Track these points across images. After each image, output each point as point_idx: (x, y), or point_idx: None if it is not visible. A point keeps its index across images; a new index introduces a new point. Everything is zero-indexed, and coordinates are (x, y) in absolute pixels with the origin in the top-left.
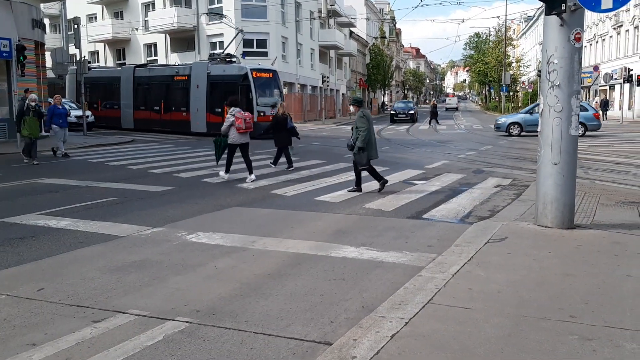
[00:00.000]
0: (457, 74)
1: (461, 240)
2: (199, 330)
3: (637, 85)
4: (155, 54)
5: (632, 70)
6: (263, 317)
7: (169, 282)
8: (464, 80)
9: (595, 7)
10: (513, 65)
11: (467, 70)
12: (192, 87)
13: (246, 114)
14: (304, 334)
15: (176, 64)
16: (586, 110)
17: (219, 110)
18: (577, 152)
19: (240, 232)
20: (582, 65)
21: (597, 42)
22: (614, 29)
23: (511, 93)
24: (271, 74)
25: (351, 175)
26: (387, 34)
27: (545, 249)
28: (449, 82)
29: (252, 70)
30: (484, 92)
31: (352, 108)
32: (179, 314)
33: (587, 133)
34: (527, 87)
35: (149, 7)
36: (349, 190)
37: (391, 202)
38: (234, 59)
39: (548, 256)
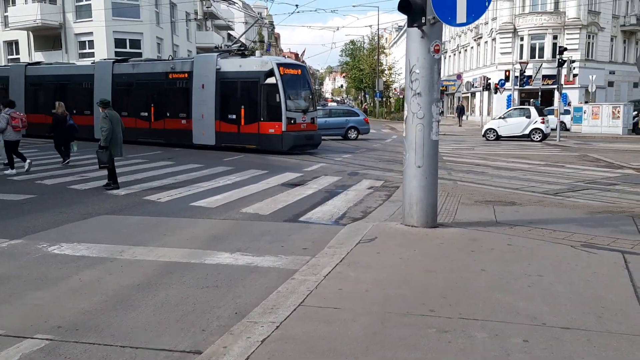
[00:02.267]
0: (334, 79)
1: (334, 241)
2: (59, 348)
3: (494, 93)
4: (17, 53)
5: (489, 79)
6: (130, 330)
7: (28, 298)
8: (342, 86)
9: (452, 21)
10: (386, 72)
11: (344, 76)
12: (195, 87)
13: (22, 115)
14: (174, 344)
15: (170, 57)
16: (358, 115)
17: (234, 116)
18: (439, 155)
19: (107, 242)
20: (447, 74)
21: (459, 52)
22: (475, 40)
23: (384, 99)
24: (300, 70)
25: (229, 179)
26: (265, 38)
27: (410, 247)
28: (328, 87)
29: (279, 65)
30: (359, 97)
31: (100, 109)
32: (38, 331)
33: (361, 137)
34: (398, 94)
35: (8, 2)
36: (104, 187)
37: (269, 206)
38: (246, 52)
39: (413, 254)
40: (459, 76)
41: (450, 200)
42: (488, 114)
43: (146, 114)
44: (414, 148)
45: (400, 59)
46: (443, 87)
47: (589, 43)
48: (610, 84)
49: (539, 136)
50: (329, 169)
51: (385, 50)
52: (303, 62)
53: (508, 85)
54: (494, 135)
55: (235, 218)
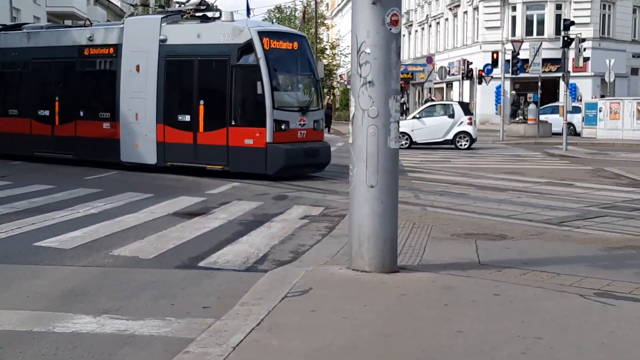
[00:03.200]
0: None
1: (250, 296)
2: None
3: (478, 83)
4: None
5: (471, 63)
6: None
7: None
8: None
9: None
10: (327, 52)
11: None
12: (125, 69)
13: None
14: None
15: (87, 22)
16: None
17: (187, 118)
18: (402, 169)
19: None
20: (413, 56)
21: (430, 26)
22: (450, 9)
23: (326, 90)
24: (296, 44)
25: (94, 207)
26: (152, 2)
27: (359, 301)
28: None
29: (261, 34)
30: None
31: None
32: None
33: None
34: (345, 82)
35: None
36: None
37: (153, 246)
38: (209, 14)
39: (363, 311)
40: (430, 59)
41: (417, 233)
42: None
43: (47, 112)
44: (365, 159)
45: (347, 35)
46: (406, 73)
47: (604, 15)
48: (635, 71)
49: (466, 142)
50: (244, 191)
51: (326, 22)
52: None
53: (497, 72)
54: (406, 142)
55: (102, 264)
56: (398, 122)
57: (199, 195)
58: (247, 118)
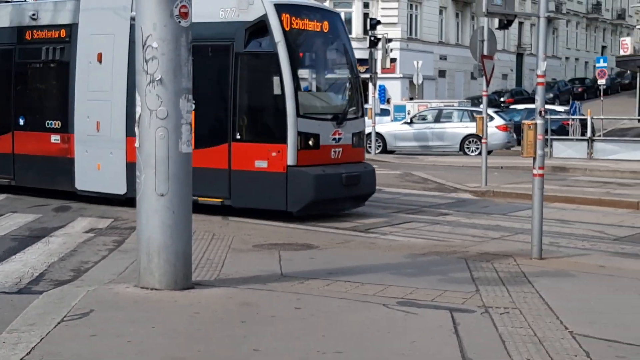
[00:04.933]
0: None
1: (20, 321)
2: None
3: None
4: None
5: None
6: None
7: None
8: None
9: None
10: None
11: None
12: (80, 59)
13: None
14: None
15: None
16: None
17: None
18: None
19: None
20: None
21: None
22: None
23: None
24: (327, 24)
25: None
26: None
27: (147, 323)
28: None
29: (278, 7)
30: None
31: None
32: None
33: None
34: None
35: None
36: None
37: None
38: None
39: (151, 334)
40: None
41: (217, 245)
42: None
43: None
44: (154, 166)
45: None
46: None
47: (411, 16)
48: (442, 73)
49: None
50: (20, 202)
51: None
52: None
53: None
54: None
55: None
56: (190, 125)
57: None
58: (258, 130)
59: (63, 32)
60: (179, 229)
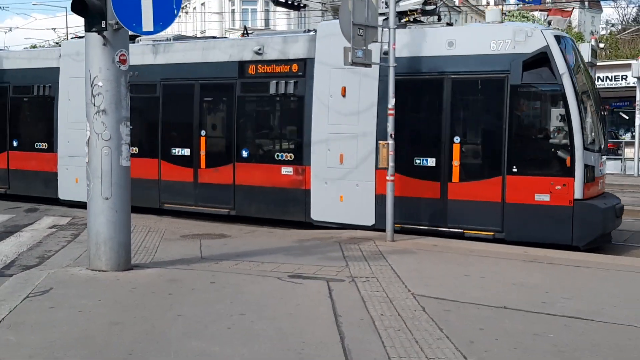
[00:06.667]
0: None
1: None
2: None
3: None
4: None
5: None
6: None
7: None
8: None
9: (137, 28)
10: None
11: None
12: (318, 93)
13: None
14: None
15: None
16: None
17: (430, 162)
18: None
19: None
20: None
21: None
22: None
23: None
24: (576, 52)
25: None
26: None
27: (95, 296)
28: None
29: (557, 38)
30: None
31: None
32: None
33: None
34: None
35: None
36: None
37: None
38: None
39: (97, 305)
40: None
41: (152, 236)
42: None
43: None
44: (100, 176)
45: None
46: None
47: None
48: None
49: None
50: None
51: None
52: None
53: None
54: None
55: None
56: (129, 145)
57: None
58: (538, 163)
59: (294, 67)
60: (121, 224)
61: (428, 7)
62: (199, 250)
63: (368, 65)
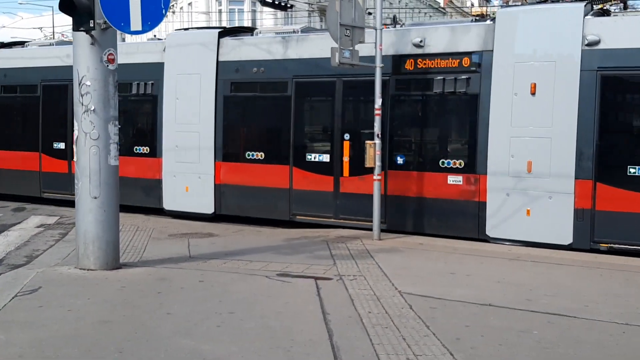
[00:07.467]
0: None
1: None
2: None
3: None
4: None
5: None
6: None
7: None
8: None
9: (125, 27)
10: None
11: None
12: (497, 91)
13: None
14: None
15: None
16: None
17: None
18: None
19: None
20: None
21: None
22: None
23: None
24: None
25: None
26: None
27: (84, 295)
28: None
29: None
30: None
31: None
32: None
33: None
34: None
35: None
36: None
37: None
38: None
39: (86, 303)
40: None
41: (140, 235)
42: None
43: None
44: (88, 175)
45: None
46: None
47: None
48: None
49: None
50: None
51: None
52: None
53: None
54: None
55: None
56: (117, 144)
57: None
58: None
59: (466, 61)
60: (109, 223)
61: None
62: (187, 249)
63: (356, 65)
